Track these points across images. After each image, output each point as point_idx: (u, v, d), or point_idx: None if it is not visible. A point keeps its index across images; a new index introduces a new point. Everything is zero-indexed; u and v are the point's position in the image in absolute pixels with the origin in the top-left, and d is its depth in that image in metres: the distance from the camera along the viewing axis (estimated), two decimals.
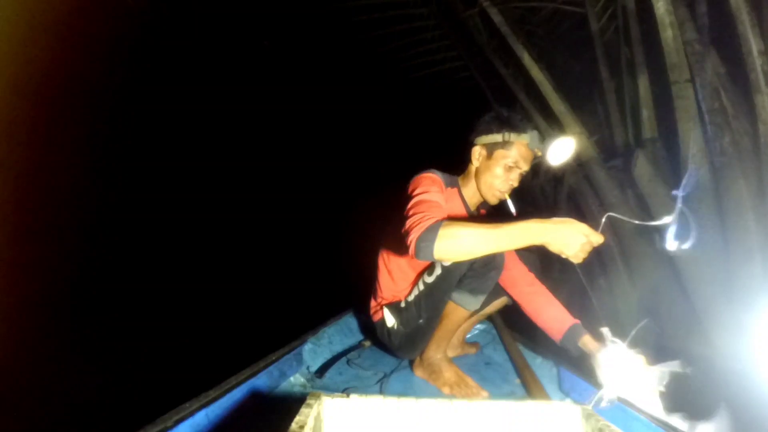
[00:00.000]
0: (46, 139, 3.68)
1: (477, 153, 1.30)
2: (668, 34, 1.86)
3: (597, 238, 0.92)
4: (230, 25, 5.78)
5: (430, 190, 1.13)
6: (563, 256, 0.92)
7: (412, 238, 0.95)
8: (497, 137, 1.25)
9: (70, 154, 3.99)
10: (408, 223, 1.00)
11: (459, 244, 0.92)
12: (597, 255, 2.76)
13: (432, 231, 0.93)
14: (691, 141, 1.86)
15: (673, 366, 0.94)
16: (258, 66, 6.62)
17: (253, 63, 6.54)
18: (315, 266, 5.30)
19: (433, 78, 4.74)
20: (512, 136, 1.24)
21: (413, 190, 1.15)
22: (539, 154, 1.30)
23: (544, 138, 1.29)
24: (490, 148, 1.27)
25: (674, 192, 0.89)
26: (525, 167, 1.27)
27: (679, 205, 0.87)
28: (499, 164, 1.26)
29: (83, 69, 3.99)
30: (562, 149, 1.28)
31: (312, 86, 7.18)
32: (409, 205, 1.08)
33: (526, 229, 0.92)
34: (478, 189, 1.33)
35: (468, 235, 0.92)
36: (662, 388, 0.95)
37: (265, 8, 5.41)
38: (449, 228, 0.93)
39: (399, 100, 6.45)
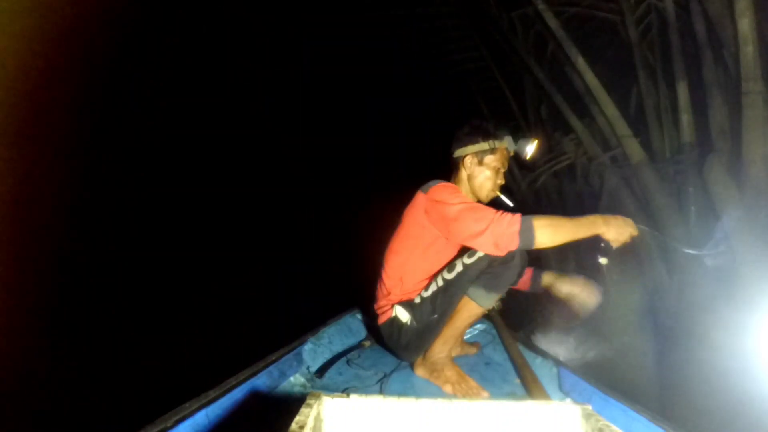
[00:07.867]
0: (45, 140, 3.67)
1: (469, 162, 1.49)
2: (749, 48, 1.96)
3: (635, 231, 1.24)
4: (230, 21, 5.76)
5: (467, 199, 1.34)
6: (613, 243, 1.22)
7: (511, 231, 1.19)
8: (485, 146, 1.46)
9: (70, 155, 3.98)
10: (482, 223, 1.22)
11: (554, 232, 1.19)
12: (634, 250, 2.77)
13: (527, 222, 1.19)
14: (758, 149, 1.97)
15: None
16: (259, 63, 6.60)
17: (253, 60, 6.51)
18: (316, 266, 5.29)
19: (453, 79, 4.73)
20: (496, 143, 1.47)
21: (444, 199, 1.32)
22: (512, 153, 1.53)
23: (517, 140, 1.52)
24: (480, 156, 1.47)
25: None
26: (506, 166, 1.52)
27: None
28: (491, 168, 1.48)
29: (81, 70, 3.99)
30: (529, 147, 1.52)
31: (313, 86, 7.16)
32: (460, 211, 1.28)
33: (594, 222, 1.22)
34: (473, 192, 1.51)
35: (559, 226, 1.21)
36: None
37: (267, 4, 5.38)
38: (542, 219, 1.20)
39: (411, 100, 6.41)
